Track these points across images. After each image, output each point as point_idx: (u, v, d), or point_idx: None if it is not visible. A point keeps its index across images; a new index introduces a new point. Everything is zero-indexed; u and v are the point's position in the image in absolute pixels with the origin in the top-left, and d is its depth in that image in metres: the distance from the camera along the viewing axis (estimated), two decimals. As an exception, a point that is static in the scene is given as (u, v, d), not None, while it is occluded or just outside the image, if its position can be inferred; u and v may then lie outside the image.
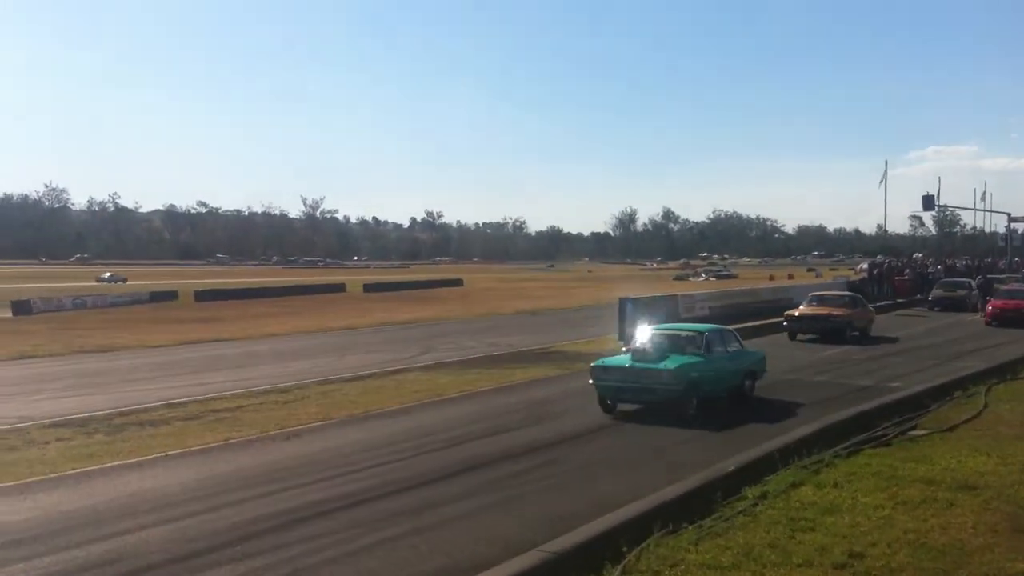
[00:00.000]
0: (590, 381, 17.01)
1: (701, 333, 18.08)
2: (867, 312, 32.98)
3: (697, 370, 16.72)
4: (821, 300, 32.87)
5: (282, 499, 11.28)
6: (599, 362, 17.29)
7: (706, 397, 16.89)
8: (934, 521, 9.26)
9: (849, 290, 49.78)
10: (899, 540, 8.66)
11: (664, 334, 18.40)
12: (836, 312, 30.98)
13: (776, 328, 33.60)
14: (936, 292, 45.26)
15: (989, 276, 51.15)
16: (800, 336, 30.87)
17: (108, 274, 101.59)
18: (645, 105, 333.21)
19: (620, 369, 16.85)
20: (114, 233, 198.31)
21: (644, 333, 18.83)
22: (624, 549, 8.27)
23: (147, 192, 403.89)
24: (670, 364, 16.46)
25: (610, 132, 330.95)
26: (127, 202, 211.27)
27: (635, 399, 16.94)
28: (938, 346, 28.88)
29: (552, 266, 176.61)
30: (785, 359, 24.35)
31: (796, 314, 31.54)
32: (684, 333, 18.41)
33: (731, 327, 20.95)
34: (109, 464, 13.33)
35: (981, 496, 10.17)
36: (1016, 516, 9.43)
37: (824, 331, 30.34)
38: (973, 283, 47.42)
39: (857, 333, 30.90)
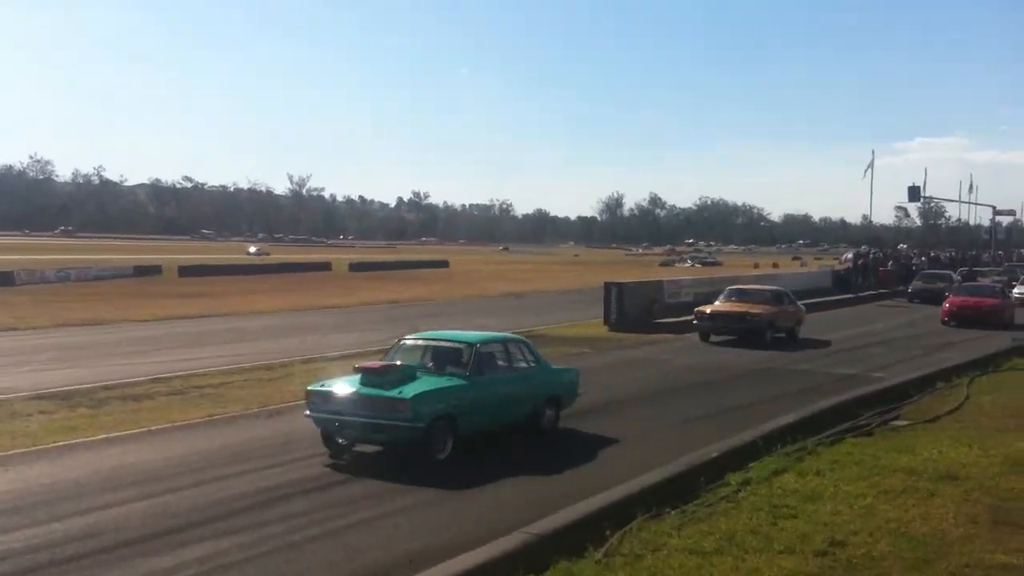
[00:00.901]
0: (307, 413, 12.53)
1: (470, 345, 13.12)
2: (795, 311, 28.13)
3: (451, 399, 12.28)
4: (740, 295, 28.13)
5: (265, 476, 11.28)
6: (317, 385, 12.80)
7: (471, 435, 12.57)
8: (915, 511, 9.30)
9: (834, 281, 50.09)
10: (880, 529, 8.69)
11: (418, 346, 13.68)
12: (754, 310, 26.18)
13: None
14: (916, 284, 44.45)
15: (974, 268, 51.29)
16: (715, 338, 26.51)
17: (253, 248, 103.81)
18: (634, 90, 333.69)
19: (342, 398, 12.20)
20: (99, 206, 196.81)
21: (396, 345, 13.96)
22: (607, 532, 8.29)
23: (133, 165, 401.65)
24: (407, 391, 11.81)
25: (599, 117, 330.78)
26: (112, 175, 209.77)
27: (364, 438, 12.41)
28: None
29: (506, 248, 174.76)
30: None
31: (708, 311, 26.76)
32: (445, 345, 13.53)
33: (524, 336, 17.19)
34: (92, 438, 13.28)
35: (962, 487, 10.22)
36: (997, 508, 9.48)
37: (740, 332, 25.99)
38: (954, 275, 47.40)
39: (782, 335, 26.72)
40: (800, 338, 27.31)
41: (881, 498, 9.72)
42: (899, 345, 26.79)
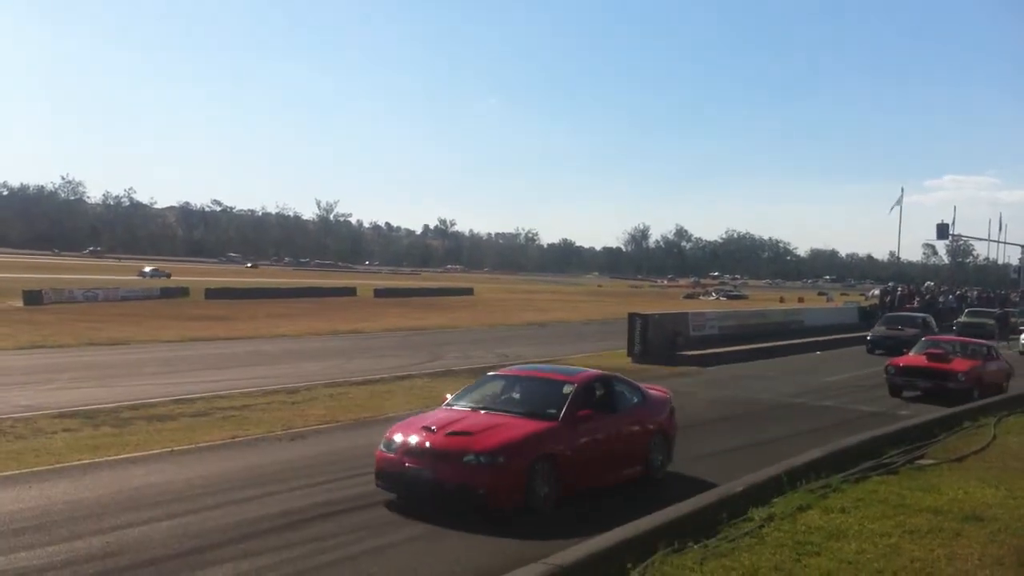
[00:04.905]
0: None
1: None
2: None
3: None
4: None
5: (286, 499, 11.25)
6: None
7: None
8: (940, 551, 9.18)
9: (860, 317, 49.23)
10: (905, 569, 8.58)
11: None
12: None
13: (784, 351, 33.68)
14: (878, 329, 37.89)
15: (1006, 308, 50.23)
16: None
17: (148, 269, 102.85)
18: (662, 123, 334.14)
19: None
20: (128, 228, 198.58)
21: None
22: (628, 566, 8.22)
23: (162, 188, 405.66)
24: None
25: (626, 148, 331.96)
26: (142, 197, 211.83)
27: None
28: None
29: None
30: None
31: None
32: None
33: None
34: (115, 457, 13.32)
35: (988, 528, 10.08)
36: (1023, 549, 9.34)
37: None
38: (930, 319, 40.34)
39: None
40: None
41: (906, 537, 9.60)
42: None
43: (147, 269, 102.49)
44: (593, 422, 12.03)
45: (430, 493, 10.89)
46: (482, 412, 11.97)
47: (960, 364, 23.12)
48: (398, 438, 11.38)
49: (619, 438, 12.61)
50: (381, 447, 11.47)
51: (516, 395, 12.58)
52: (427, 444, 11.10)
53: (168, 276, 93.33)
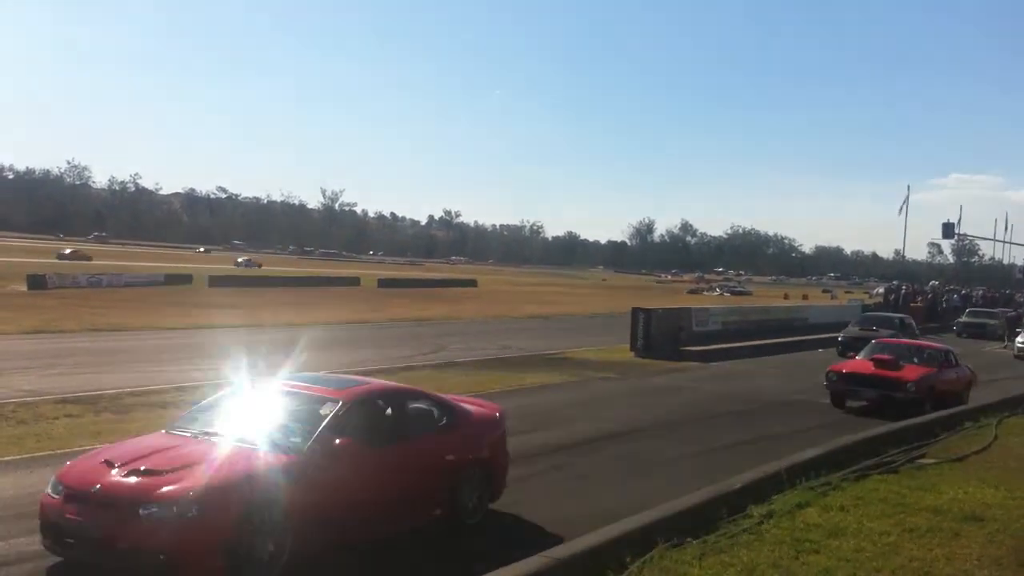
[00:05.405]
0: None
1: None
2: None
3: None
4: None
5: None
6: None
7: None
8: (939, 551, 9.18)
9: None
10: (904, 568, 8.58)
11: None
12: None
13: (787, 348, 33.68)
14: (850, 330, 35.62)
15: (1019, 311, 49.98)
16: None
17: (242, 259, 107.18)
18: (669, 117, 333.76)
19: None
20: (133, 213, 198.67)
21: None
22: (627, 560, 8.22)
23: (168, 174, 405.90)
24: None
25: (633, 142, 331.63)
26: (148, 183, 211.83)
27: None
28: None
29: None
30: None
31: None
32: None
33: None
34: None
35: (987, 528, 10.07)
36: (1021, 550, 9.33)
37: None
38: (909, 320, 39.05)
39: None
40: None
41: (905, 536, 9.59)
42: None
43: (240, 259, 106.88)
44: (362, 454, 9.08)
45: (98, 557, 7.95)
46: (202, 439, 8.86)
47: (911, 372, 20.75)
48: (69, 476, 8.41)
49: (407, 473, 9.63)
50: (48, 489, 8.44)
51: (262, 416, 9.24)
52: (95, 487, 8.02)
53: (260, 267, 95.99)
